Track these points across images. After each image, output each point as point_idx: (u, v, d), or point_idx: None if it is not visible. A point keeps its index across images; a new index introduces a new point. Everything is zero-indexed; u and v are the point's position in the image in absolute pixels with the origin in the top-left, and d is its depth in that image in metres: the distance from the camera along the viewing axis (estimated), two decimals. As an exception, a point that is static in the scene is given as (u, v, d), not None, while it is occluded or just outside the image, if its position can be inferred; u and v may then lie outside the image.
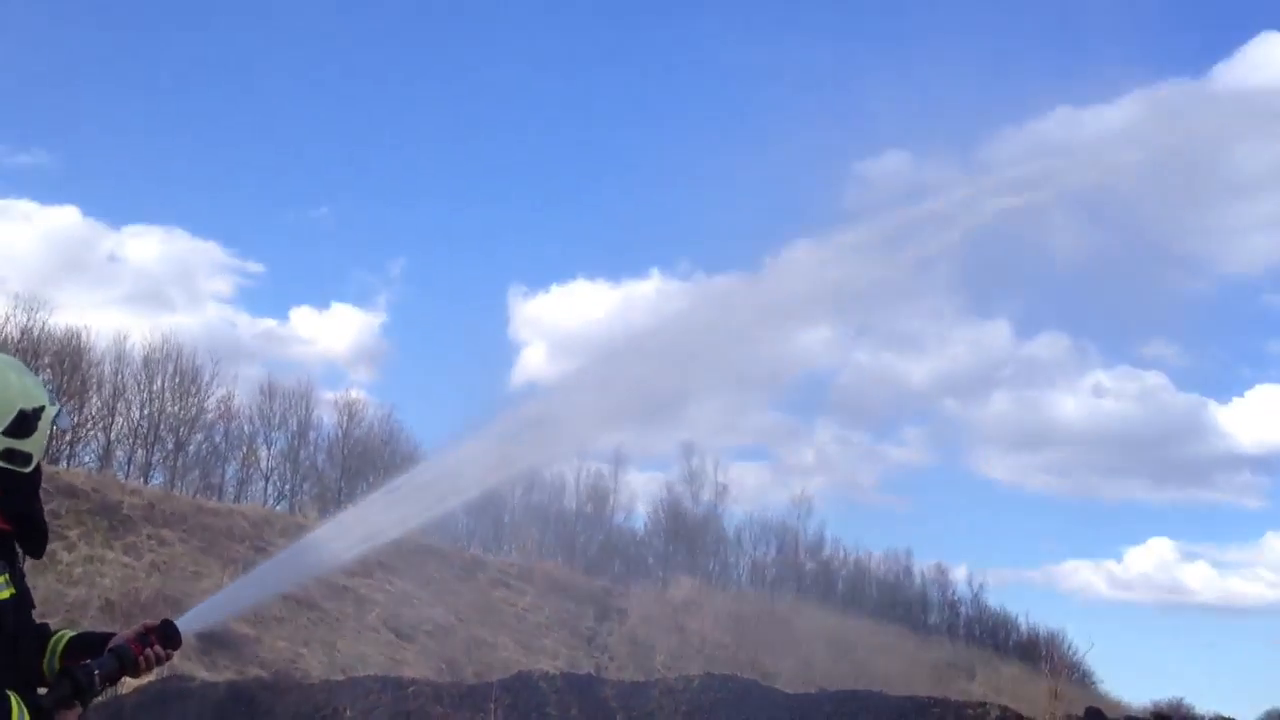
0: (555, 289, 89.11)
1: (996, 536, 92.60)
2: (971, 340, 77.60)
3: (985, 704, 16.80)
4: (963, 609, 67.68)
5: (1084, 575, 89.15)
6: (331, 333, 76.88)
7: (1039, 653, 54.29)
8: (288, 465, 49.95)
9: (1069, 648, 50.70)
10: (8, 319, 41.04)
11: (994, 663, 53.37)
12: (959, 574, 70.24)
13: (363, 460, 51.61)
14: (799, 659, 37.80)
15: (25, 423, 3.59)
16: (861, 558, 64.93)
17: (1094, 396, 77.21)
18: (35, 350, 40.69)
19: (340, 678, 23.59)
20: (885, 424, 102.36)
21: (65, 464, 37.50)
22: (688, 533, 59.26)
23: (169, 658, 4.00)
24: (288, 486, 50.09)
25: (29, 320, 41.42)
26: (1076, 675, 48.46)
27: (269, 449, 49.83)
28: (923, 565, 67.28)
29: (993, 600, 71.40)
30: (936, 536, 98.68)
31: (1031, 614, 73.35)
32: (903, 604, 63.50)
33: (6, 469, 3.58)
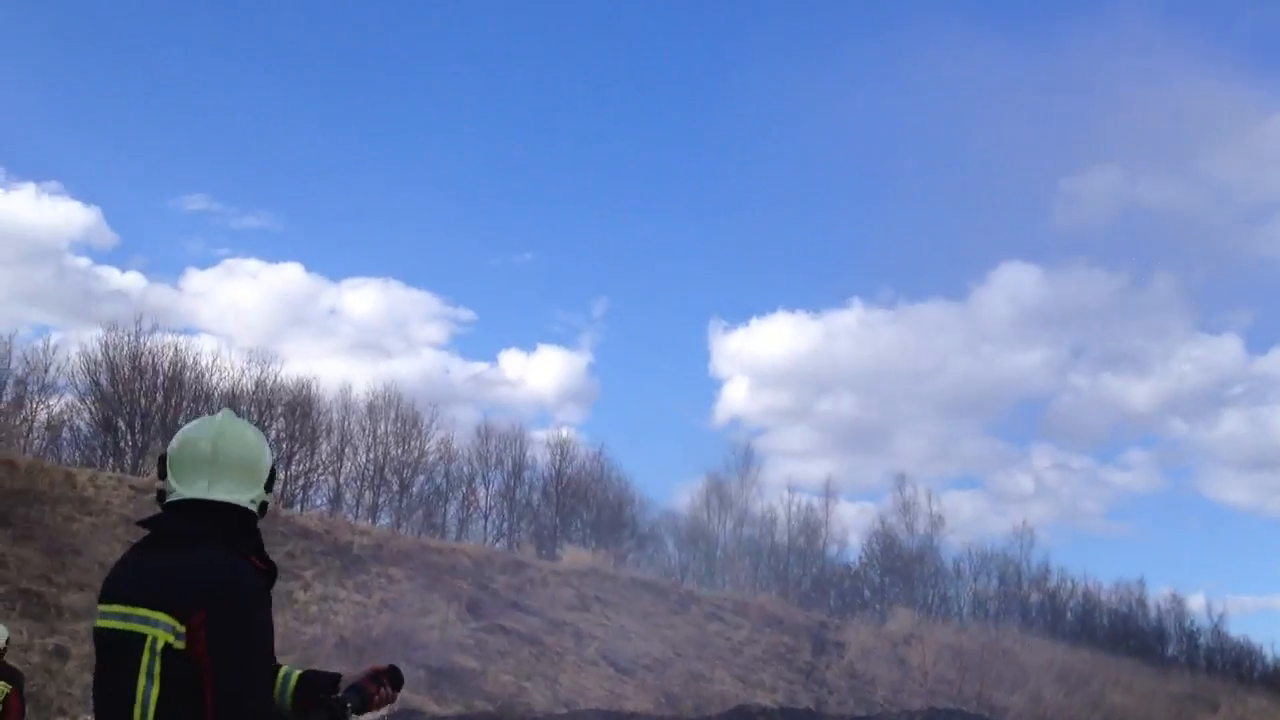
0: (755, 322, 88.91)
1: (1235, 563, 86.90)
2: (1199, 357, 73.72)
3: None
4: (1202, 639, 63.87)
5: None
6: (539, 374, 78.73)
7: (1289, 684, 50.76)
8: (505, 504, 51.29)
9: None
10: (244, 372, 43.66)
11: (1238, 695, 50.11)
12: (1196, 603, 66.33)
13: (575, 498, 52.50)
14: (1027, 694, 36.34)
15: (274, 477, 4.02)
16: (1090, 588, 62.11)
17: (1336, 412, 72.07)
18: (269, 401, 43.09)
19: (563, 711, 23.97)
20: (1107, 448, 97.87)
21: (299, 508, 39.46)
22: (903, 565, 57.92)
23: (395, 699, 4.26)
24: (506, 524, 51.42)
25: (262, 373, 43.99)
26: (1333, 709, 45.07)
27: (487, 489, 51.28)
28: (1157, 595, 63.95)
29: (1234, 629, 67.04)
30: (1170, 564, 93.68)
31: (1277, 643, 68.69)
32: (1137, 635, 60.30)
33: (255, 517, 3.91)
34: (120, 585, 3.69)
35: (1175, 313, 79.26)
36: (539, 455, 52.66)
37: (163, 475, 3.88)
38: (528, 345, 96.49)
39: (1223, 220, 79.48)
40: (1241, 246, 77.45)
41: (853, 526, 73.54)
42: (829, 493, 59.52)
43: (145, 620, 3.53)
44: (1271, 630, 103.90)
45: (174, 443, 3.93)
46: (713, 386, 78.01)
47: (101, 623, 3.69)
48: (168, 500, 3.84)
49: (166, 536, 3.76)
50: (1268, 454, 74.85)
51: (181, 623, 3.49)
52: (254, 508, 3.88)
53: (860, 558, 59.75)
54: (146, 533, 3.87)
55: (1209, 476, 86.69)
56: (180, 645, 3.48)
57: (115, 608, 3.63)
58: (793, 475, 77.52)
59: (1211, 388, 76.58)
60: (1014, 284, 73.55)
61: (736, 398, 75.84)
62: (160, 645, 3.48)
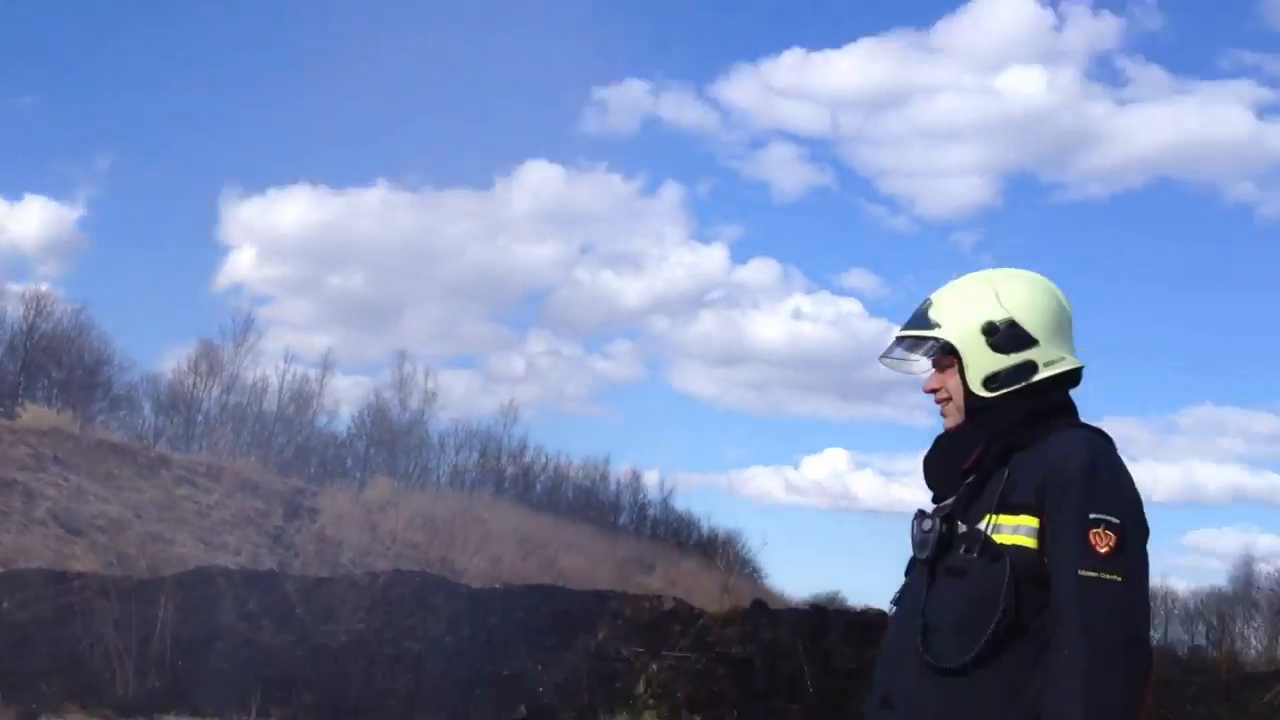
0: (273, 193, 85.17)
1: (692, 446, 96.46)
2: (689, 263, 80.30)
3: (661, 596, 17.79)
4: (651, 511, 70.83)
5: (763, 481, 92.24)
6: (21, 224, 71.11)
7: (716, 550, 57.53)
8: (-38, 357, 46.98)
9: (743, 546, 54.02)
10: None
11: (674, 559, 56.08)
12: (651, 479, 73.33)
13: (47, 355, 49.40)
14: (488, 557, 38.61)
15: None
16: (561, 464, 66.73)
17: (793, 319, 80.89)
18: None
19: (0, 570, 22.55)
20: (596, 339, 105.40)
21: None
22: (391, 437, 59.02)
23: None
24: (-39, 378, 47.21)
25: None
26: (748, 571, 51.54)
27: (-53, 342, 46.71)
28: (619, 471, 69.88)
29: (680, 503, 74.76)
30: (637, 445, 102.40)
31: (714, 516, 76.69)
32: (596, 506, 65.68)
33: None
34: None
35: (676, 221, 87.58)
36: (11, 309, 48.99)
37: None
38: (13, 194, 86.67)
39: (728, 141, 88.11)
40: (741, 169, 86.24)
41: (348, 399, 73.35)
42: (326, 365, 59.42)
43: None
44: (711, 504, 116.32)
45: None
46: (219, 253, 74.40)
47: None
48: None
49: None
50: (732, 352, 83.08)
51: None
52: None
53: (349, 429, 60.32)
54: None
55: (680, 369, 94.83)
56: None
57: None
58: (293, 346, 76.19)
59: (694, 291, 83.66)
60: (537, 181, 76.36)
61: (243, 265, 73.01)
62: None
